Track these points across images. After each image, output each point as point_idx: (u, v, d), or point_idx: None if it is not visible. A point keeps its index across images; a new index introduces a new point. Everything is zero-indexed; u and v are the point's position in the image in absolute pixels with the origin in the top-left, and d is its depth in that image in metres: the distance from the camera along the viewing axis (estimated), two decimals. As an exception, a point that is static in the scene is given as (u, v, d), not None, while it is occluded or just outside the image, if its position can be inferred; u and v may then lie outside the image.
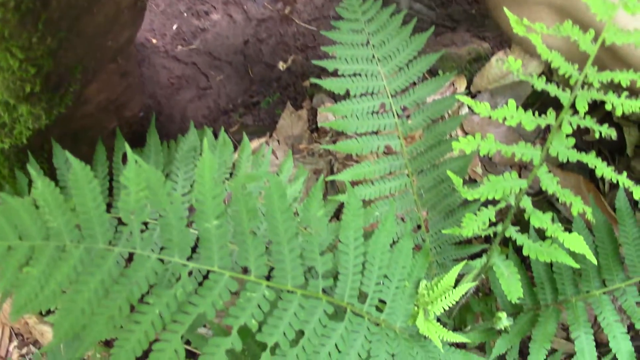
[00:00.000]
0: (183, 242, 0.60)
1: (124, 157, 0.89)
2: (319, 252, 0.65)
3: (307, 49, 1.38)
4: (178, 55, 1.36)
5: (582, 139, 1.25)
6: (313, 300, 0.65)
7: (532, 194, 1.20)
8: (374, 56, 0.83)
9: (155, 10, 1.39)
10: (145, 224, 0.63)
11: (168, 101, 1.33)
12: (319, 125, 0.82)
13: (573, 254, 0.73)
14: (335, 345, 0.65)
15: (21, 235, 0.58)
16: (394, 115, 0.83)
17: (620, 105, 0.62)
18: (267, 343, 0.60)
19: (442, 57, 1.30)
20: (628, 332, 0.84)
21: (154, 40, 1.37)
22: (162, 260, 0.59)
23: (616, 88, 0.66)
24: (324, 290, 0.66)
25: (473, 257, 0.92)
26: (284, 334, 0.61)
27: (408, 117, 0.84)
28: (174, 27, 1.38)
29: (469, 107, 1.27)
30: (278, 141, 1.24)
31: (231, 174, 0.90)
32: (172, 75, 1.35)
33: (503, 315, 0.85)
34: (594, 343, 0.83)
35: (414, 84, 0.86)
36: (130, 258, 0.60)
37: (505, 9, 0.65)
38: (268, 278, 0.63)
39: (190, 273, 0.60)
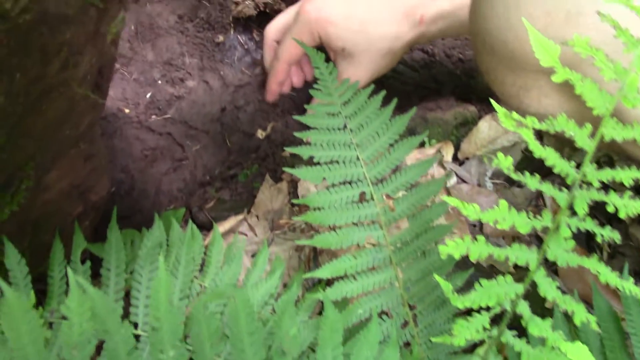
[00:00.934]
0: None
1: (83, 254, 0.81)
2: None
3: (287, 115, 1.32)
4: (152, 126, 1.30)
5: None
6: None
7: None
8: (352, 141, 0.77)
9: (128, 78, 1.33)
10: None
11: (142, 175, 1.26)
12: (299, 219, 0.75)
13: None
14: None
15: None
16: (375, 204, 0.77)
17: (624, 206, 0.56)
18: None
19: (428, 122, 1.25)
20: None
21: (127, 110, 1.31)
22: (110, 402, 0.52)
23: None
24: (299, 421, 0.58)
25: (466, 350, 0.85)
26: None
27: (391, 204, 0.78)
28: (148, 95, 1.32)
29: (457, 176, 1.21)
30: (257, 217, 1.17)
31: (201, 269, 0.83)
32: (146, 146, 1.28)
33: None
34: None
35: (397, 167, 0.79)
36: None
37: (493, 102, 0.59)
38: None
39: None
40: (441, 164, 1.19)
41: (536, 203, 1.22)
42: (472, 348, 0.87)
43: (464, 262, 1.09)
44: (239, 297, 0.57)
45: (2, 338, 0.52)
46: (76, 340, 0.52)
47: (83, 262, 0.80)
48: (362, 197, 0.77)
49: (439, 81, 1.36)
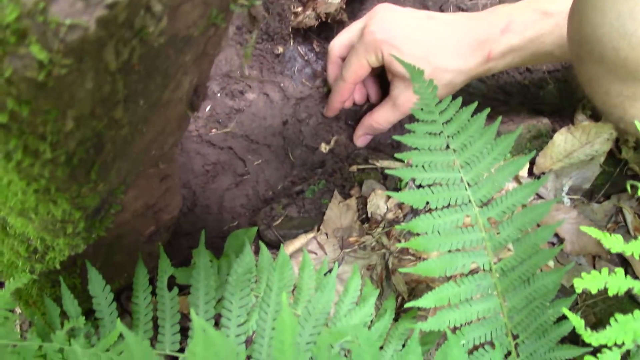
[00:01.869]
0: None
1: (170, 281, 0.78)
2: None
3: (350, 128, 1.28)
4: (212, 140, 1.27)
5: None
6: None
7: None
8: (455, 162, 0.73)
9: (187, 91, 1.30)
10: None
11: (203, 191, 1.23)
12: (401, 245, 0.71)
13: None
14: None
15: None
16: (480, 229, 0.72)
17: None
18: None
19: (499, 136, 1.20)
20: None
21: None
22: None
23: None
24: None
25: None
26: None
27: (496, 228, 0.73)
28: (207, 109, 1.29)
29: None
30: (326, 234, 1.13)
31: (293, 291, 0.79)
32: (207, 161, 1.25)
33: None
34: None
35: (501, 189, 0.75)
36: None
37: (637, 122, 0.55)
38: None
39: None
40: (517, 179, 1.14)
41: (615, 219, 1.17)
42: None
43: (563, 288, 1.04)
44: (363, 337, 0.52)
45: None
46: (202, 388, 0.48)
47: (170, 288, 0.77)
48: (467, 222, 0.73)
49: (507, 92, 1.32)
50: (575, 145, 1.18)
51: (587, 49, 0.74)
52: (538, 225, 0.80)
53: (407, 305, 0.72)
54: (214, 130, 1.28)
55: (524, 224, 0.73)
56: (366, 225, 1.15)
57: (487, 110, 0.78)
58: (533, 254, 0.75)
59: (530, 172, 1.18)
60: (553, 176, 1.16)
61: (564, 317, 0.78)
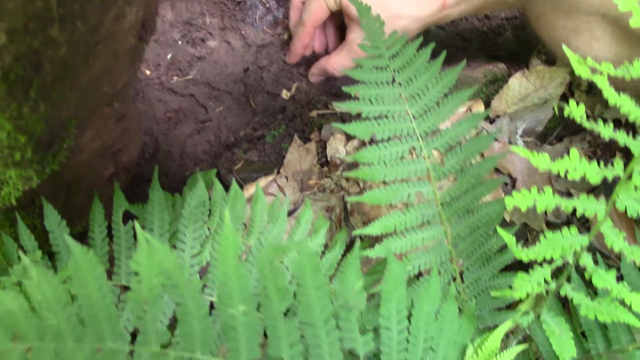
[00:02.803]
0: (206, 334, 0.51)
1: (125, 216, 0.80)
2: (360, 331, 0.57)
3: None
4: (174, 87, 1.27)
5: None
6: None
7: (558, 224, 1.12)
8: (400, 95, 0.75)
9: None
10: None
11: (165, 137, 1.24)
12: (348, 175, 0.73)
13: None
14: None
15: (14, 336, 0.49)
16: (424, 159, 0.75)
17: (701, 153, 0.54)
18: None
19: (457, 80, 1.22)
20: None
21: (148, 72, 1.28)
22: (182, 358, 0.51)
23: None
24: (366, 375, 0.57)
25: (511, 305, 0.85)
26: None
27: (441, 159, 0.76)
28: (169, 56, 1.30)
29: (488, 134, 1.19)
30: (286, 177, 1.16)
31: (245, 229, 0.81)
32: (169, 108, 1.26)
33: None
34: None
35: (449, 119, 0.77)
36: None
37: (564, 47, 0.57)
38: (305, 365, 0.54)
39: (216, 371, 0.51)
40: (472, 122, 1.17)
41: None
42: (515, 305, 0.86)
43: (504, 221, 1.08)
44: (304, 251, 0.55)
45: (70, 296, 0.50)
46: (147, 295, 0.50)
47: (124, 222, 0.78)
48: (412, 152, 0.75)
49: (466, 39, 1.34)
50: (530, 89, 1.21)
51: None
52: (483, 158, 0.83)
53: (354, 233, 0.75)
54: (175, 77, 1.29)
55: (467, 155, 0.76)
56: (325, 168, 1.17)
57: (444, 54, 0.81)
58: (476, 184, 0.78)
59: (486, 116, 1.21)
60: (507, 119, 1.19)
61: (506, 247, 0.82)
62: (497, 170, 1.15)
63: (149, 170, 1.22)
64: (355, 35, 1.10)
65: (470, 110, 1.19)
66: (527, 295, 0.64)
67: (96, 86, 0.71)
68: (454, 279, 0.80)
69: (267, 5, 1.34)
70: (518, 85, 1.21)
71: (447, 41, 1.33)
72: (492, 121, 1.21)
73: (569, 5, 0.73)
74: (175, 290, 0.51)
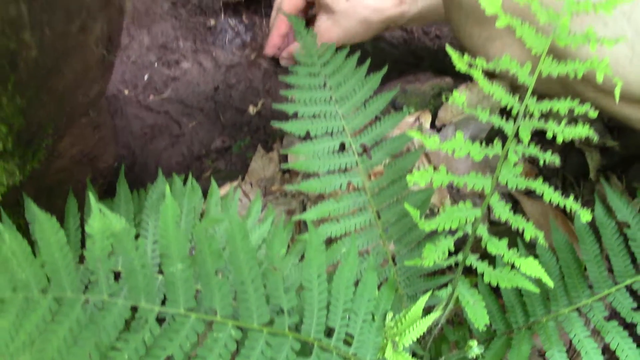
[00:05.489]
0: (149, 286, 0.62)
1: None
2: (284, 290, 0.68)
3: (276, 92, 1.41)
4: (150, 105, 1.39)
5: (546, 166, 1.28)
6: (280, 338, 0.66)
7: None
8: (331, 97, 0.87)
9: (127, 61, 1.43)
10: (115, 273, 0.64)
11: (142, 151, 1.35)
12: (286, 166, 0.85)
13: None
14: (304, 380, 0.67)
15: (-10, 289, 0.60)
16: (354, 153, 0.86)
17: (561, 132, 0.65)
18: (235, 381, 0.61)
19: (407, 94, 1.34)
20: (603, 354, 0.86)
21: (126, 91, 1.40)
22: (133, 308, 0.61)
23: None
24: (290, 328, 0.67)
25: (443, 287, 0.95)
26: (253, 371, 0.63)
27: (367, 153, 0.87)
28: (145, 77, 1.42)
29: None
30: (250, 184, 1.27)
31: (201, 219, 0.92)
32: (145, 124, 1.38)
33: (474, 343, 0.86)
34: (569, 360, 0.85)
35: (375, 120, 0.89)
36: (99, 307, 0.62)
37: (447, 46, 0.69)
38: (235, 318, 0.65)
39: (161, 320, 0.62)
40: (420, 130, 1.29)
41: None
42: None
43: (432, 212, 1.19)
44: (235, 223, 0.66)
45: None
46: (99, 254, 0.61)
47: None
48: (342, 148, 0.87)
49: (418, 56, 1.46)
50: (473, 100, 1.32)
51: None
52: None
53: (293, 218, 0.86)
54: (151, 96, 1.41)
55: (392, 149, 0.87)
56: (287, 175, 1.28)
57: (368, 61, 0.92)
58: (402, 175, 0.89)
59: (433, 125, 1.33)
60: (453, 127, 1.31)
61: (435, 232, 0.92)
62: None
63: (128, 182, 1.34)
64: (320, 22, 1.18)
65: (419, 119, 1.31)
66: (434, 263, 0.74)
67: (71, 94, 0.83)
68: (387, 261, 0.90)
69: (236, 29, 1.47)
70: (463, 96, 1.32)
71: (401, 59, 1.45)
72: (439, 130, 1.32)
73: (480, 15, 0.85)
74: (124, 251, 0.62)
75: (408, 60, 1.45)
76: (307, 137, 0.86)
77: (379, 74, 0.88)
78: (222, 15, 1.46)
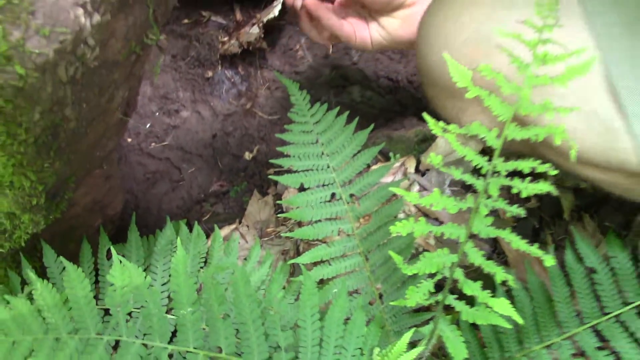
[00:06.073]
0: (162, 328, 0.70)
1: (108, 253, 0.99)
2: (281, 329, 0.76)
3: (270, 139, 1.51)
4: (152, 152, 1.48)
5: (525, 207, 1.37)
6: (278, 372, 0.75)
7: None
8: (323, 152, 0.96)
9: (130, 111, 1.52)
10: (129, 314, 0.73)
11: (144, 195, 1.44)
12: (280, 216, 0.93)
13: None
14: (301, 410, 0.75)
15: (24, 331, 0.68)
16: (344, 202, 0.95)
17: (525, 189, 0.74)
18: (239, 412, 0.69)
19: (393, 140, 1.44)
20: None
21: (129, 140, 1.49)
22: (145, 345, 0.69)
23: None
24: (287, 362, 0.76)
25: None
26: (254, 403, 0.71)
27: (356, 202, 0.96)
28: (147, 125, 1.51)
29: (419, 185, 1.40)
30: (247, 226, 1.35)
31: (205, 262, 1.00)
32: (147, 170, 1.47)
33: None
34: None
35: (361, 172, 0.98)
36: (117, 345, 0.70)
37: (424, 114, 0.78)
38: (238, 355, 0.73)
39: (170, 355, 0.70)
40: (405, 175, 1.38)
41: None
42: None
43: (417, 251, 1.27)
44: (238, 270, 0.75)
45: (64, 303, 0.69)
46: (119, 300, 0.69)
47: (108, 259, 0.97)
48: (333, 197, 0.96)
49: (403, 105, 1.56)
50: (449, 148, 1.42)
51: (425, 75, 0.97)
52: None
53: (289, 261, 0.95)
54: (153, 144, 1.50)
55: (378, 198, 0.96)
56: (281, 218, 1.37)
57: (356, 120, 1.01)
58: (388, 221, 0.98)
59: (417, 170, 1.42)
60: (436, 172, 1.40)
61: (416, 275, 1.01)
62: (427, 216, 1.35)
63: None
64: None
65: (404, 164, 1.40)
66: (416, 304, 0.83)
67: (92, 151, 0.92)
68: (375, 300, 0.99)
69: (232, 80, 1.57)
70: (444, 143, 1.42)
71: (387, 107, 1.55)
72: (423, 174, 1.42)
73: (452, 90, 0.93)
74: (140, 296, 0.70)
75: (394, 108, 1.55)
76: (301, 188, 0.95)
77: (366, 131, 0.98)
78: (220, 67, 1.56)
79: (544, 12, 0.71)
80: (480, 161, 0.77)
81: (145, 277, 0.70)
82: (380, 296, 1.00)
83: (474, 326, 1.05)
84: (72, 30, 0.62)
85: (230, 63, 1.58)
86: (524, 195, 0.75)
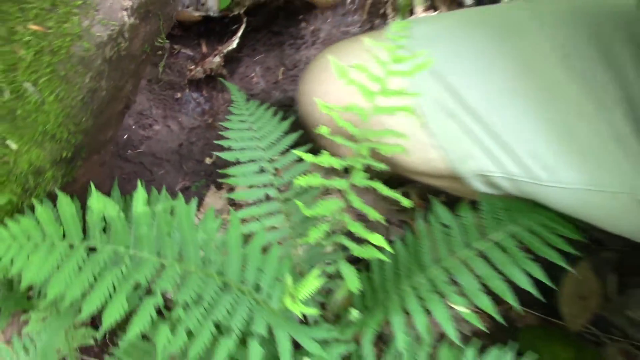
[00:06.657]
0: (125, 240, 1.00)
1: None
2: (213, 247, 1.05)
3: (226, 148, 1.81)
4: (128, 157, 1.79)
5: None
6: (209, 278, 1.03)
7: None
8: (255, 136, 1.27)
9: (111, 125, 1.83)
10: (103, 229, 1.02)
11: (122, 190, 1.73)
12: (221, 181, 1.23)
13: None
14: (226, 308, 1.04)
15: (28, 238, 0.97)
16: (270, 174, 1.26)
17: (361, 179, 1.05)
18: (179, 300, 0.98)
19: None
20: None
21: (111, 147, 1.79)
22: (113, 251, 0.99)
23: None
24: (217, 273, 1.05)
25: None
26: (190, 296, 0.99)
27: (279, 174, 1.27)
28: (125, 136, 1.82)
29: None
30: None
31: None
32: (124, 172, 1.77)
33: (354, 311, 1.23)
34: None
35: (286, 151, 1.29)
36: (94, 250, 0.99)
37: (296, 150, 1.10)
38: (179, 261, 1.02)
39: (130, 257, 0.99)
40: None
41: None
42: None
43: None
44: (181, 206, 1.05)
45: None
46: (95, 220, 0.99)
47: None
48: (262, 170, 1.26)
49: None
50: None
51: (303, 121, 1.30)
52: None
53: (230, 214, 1.24)
54: (129, 151, 1.80)
55: (297, 171, 1.27)
56: (234, 207, 1.67)
57: (281, 112, 1.33)
58: (306, 189, 1.28)
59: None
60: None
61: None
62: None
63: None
64: None
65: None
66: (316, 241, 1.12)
67: (98, 132, 1.22)
68: (295, 249, 1.28)
69: (197, 100, 1.89)
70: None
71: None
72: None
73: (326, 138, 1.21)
74: (110, 218, 1.00)
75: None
76: (237, 163, 1.26)
77: (288, 121, 1.29)
78: (187, 89, 1.88)
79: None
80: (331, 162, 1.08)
81: (116, 206, 0.99)
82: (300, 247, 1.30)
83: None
84: (119, 24, 0.98)
85: (196, 87, 1.90)
86: (360, 184, 1.07)
